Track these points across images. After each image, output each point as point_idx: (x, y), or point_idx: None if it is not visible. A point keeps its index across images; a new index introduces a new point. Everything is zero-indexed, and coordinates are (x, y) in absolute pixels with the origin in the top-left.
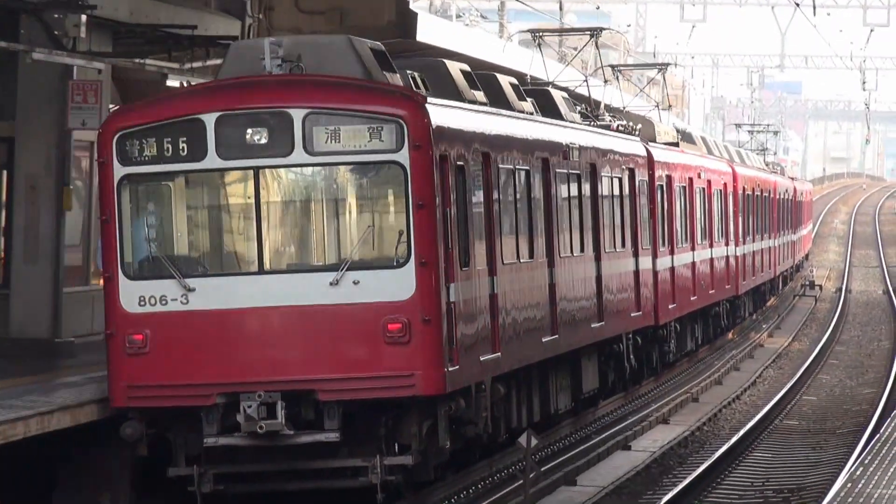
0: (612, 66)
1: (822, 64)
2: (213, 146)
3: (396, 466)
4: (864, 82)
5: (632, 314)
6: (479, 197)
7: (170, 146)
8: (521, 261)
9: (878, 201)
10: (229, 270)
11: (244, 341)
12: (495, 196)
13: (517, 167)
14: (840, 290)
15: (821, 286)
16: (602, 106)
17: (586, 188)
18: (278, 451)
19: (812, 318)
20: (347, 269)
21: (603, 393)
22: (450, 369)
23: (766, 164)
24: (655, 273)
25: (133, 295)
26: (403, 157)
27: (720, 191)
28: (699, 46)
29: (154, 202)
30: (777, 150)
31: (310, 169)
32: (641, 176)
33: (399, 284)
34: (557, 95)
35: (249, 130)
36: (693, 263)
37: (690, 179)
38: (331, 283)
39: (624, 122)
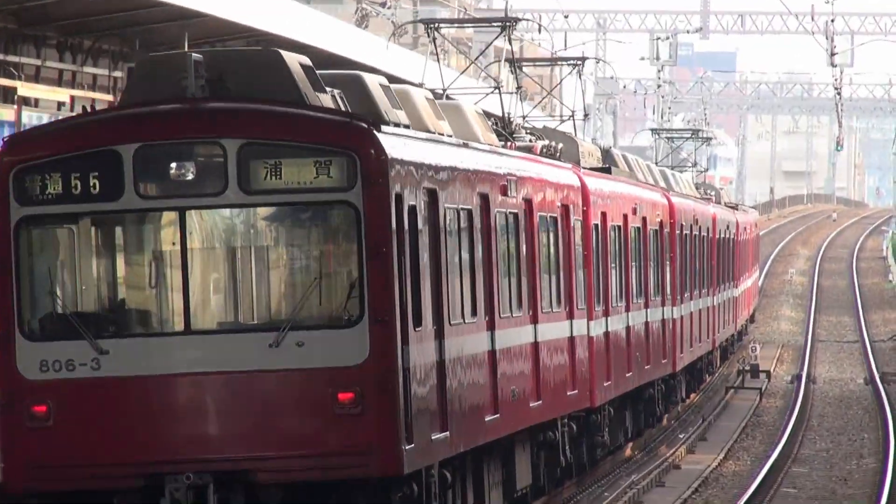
0: (512, 61)
1: (767, 26)
2: (132, 183)
3: None
4: (832, 55)
5: (568, 392)
6: (427, 243)
7: (78, 183)
8: (466, 321)
9: (854, 239)
10: (149, 330)
11: (168, 414)
12: (442, 242)
13: (460, 207)
14: (798, 378)
15: (768, 373)
16: (514, 122)
17: (524, 232)
18: None
19: (755, 422)
20: (290, 329)
21: (533, 492)
22: (407, 448)
23: (697, 188)
24: (590, 340)
25: (33, 359)
26: (356, 195)
27: (656, 231)
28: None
29: (59, 249)
30: (701, 160)
31: (246, 210)
32: (576, 214)
33: (351, 346)
34: (470, 110)
35: (174, 164)
36: (628, 329)
37: (625, 217)
38: (270, 346)
39: (547, 143)
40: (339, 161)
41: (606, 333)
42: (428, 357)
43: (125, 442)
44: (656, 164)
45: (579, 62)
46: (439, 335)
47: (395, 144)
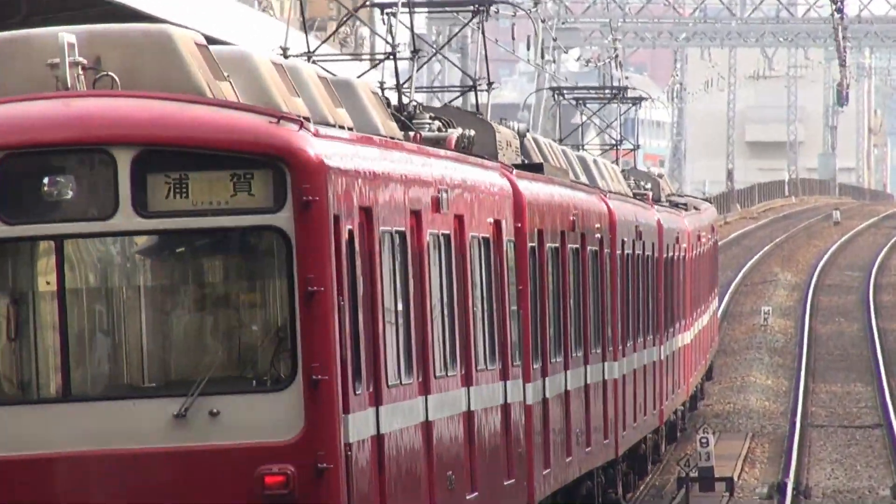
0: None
1: None
2: None
3: None
4: None
5: (505, 483)
6: (364, 280)
7: None
8: (402, 382)
9: (871, 254)
10: (17, 397)
11: None
12: (378, 278)
13: (395, 229)
14: (780, 490)
15: (730, 482)
16: (413, 103)
17: (455, 260)
18: None
19: None
20: (201, 394)
21: None
22: None
23: (626, 178)
24: (527, 410)
25: None
26: (286, 219)
27: (595, 252)
28: None
29: None
30: (624, 127)
31: (142, 239)
32: (508, 232)
33: (280, 416)
34: (364, 91)
35: (47, 179)
36: (567, 394)
37: (563, 234)
38: (176, 416)
39: (463, 132)
40: (263, 174)
41: (545, 401)
42: (369, 430)
43: None
44: (560, 141)
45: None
46: (377, 401)
47: (333, 151)
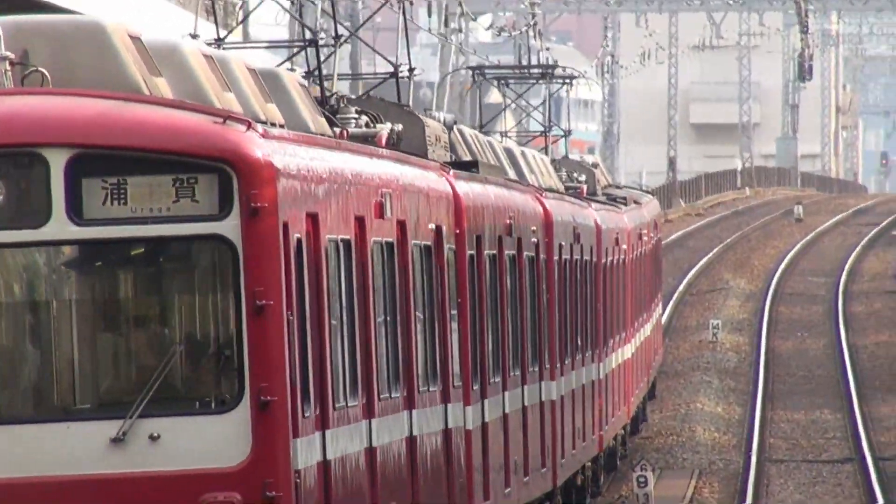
0: None
1: None
2: None
3: None
4: None
5: None
6: (310, 292)
7: None
8: (348, 404)
9: (840, 256)
10: None
11: None
12: (324, 290)
13: (340, 237)
14: None
15: None
16: (336, 95)
17: (398, 269)
18: None
19: None
20: (140, 416)
21: None
22: None
23: (557, 168)
24: (467, 435)
25: None
26: (232, 227)
27: (531, 258)
28: None
29: None
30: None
31: (77, 248)
32: (449, 239)
33: (225, 440)
34: (291, 83)
35: None
36: (505, 418)
37: (500, 239)
38: (113, 440)
39: (392, 127)
40: (207, 178)
41: (484, 426)
42: (315, 455)
43: None
44: (481, 128)
45: None
46: (323, 424)
47: (281, 153)
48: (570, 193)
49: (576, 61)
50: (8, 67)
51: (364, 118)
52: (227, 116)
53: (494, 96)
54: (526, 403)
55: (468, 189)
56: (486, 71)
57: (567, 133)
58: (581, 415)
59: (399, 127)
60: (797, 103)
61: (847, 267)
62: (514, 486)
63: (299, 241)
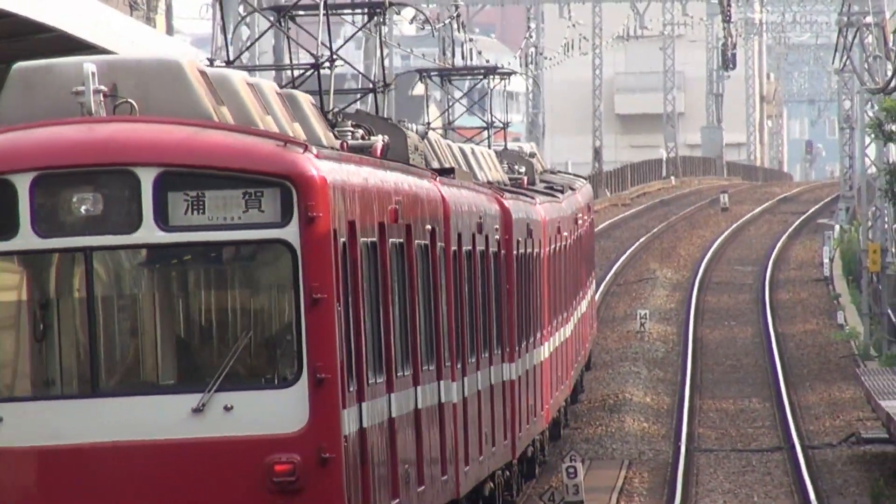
0: None
1: None
2: (28, 218)
3: None
4: None
5: (442, 478)
6: (351, 286)
7: None
8: (376, 381)
9: (766, 245)
10: (50, 393)
11: (72, 494)
12: (358, 283)
13: (369, 240)
14: None
15: None
16: (335, 110)
17: (406, 265)
18: None
19: None
20: (216, 391)
21: None
22: None
23: (500, 161)
24: (454, 408)
25: None
26: (292, 233)
27: (495, 254)
28: None
29: None
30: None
31: (164, 251)
32: (440, 238)
33: (287, 410)
34: (305, 103)
35: (78, 197)
36: (478, 394)
37: (473, 237)
38: (193, 410)
39: (383, 140)
40: (271, 192)
41: (464, 401)
42: (356, 424)
43: None
44: (427, 127)
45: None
46: (360, 398)
47: (330, 171)
48: (513, 184)
49: (501, 54)
50: (102, 99)
51: (360, 131)
52: (287, 140)
53: (418, 89)
54: (443, 400)
55: (450, 193)
56: (431, 72)
57: (506, 125)
58: (489, 419)
59: (387, 138)
60: (721, 93)
61: (773, 255)
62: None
63: (343, 244)
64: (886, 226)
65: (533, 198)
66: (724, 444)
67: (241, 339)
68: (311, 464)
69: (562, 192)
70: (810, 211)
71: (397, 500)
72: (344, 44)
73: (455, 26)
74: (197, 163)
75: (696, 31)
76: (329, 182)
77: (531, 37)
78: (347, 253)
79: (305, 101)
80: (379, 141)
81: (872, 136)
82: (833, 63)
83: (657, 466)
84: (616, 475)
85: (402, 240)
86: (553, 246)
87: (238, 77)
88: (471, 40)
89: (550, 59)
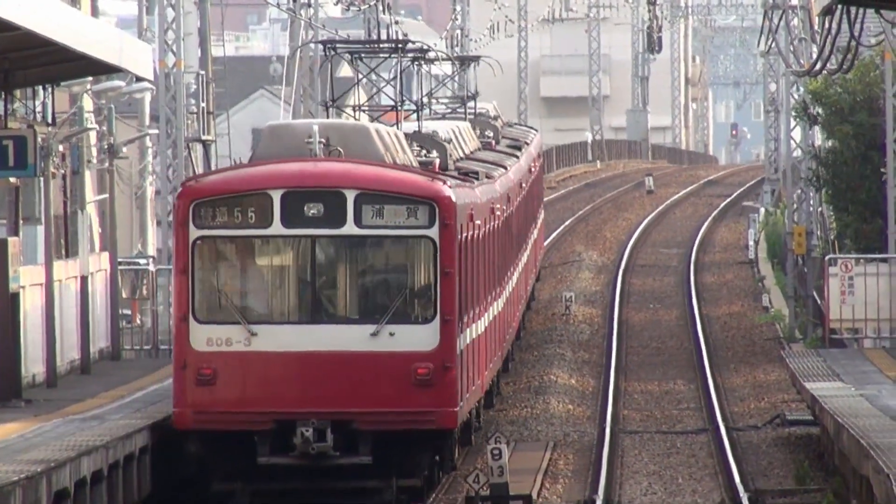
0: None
1: None
2: (278, 217)
3: (408, 487)
4: None
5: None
6: (465, 265)
7: (240, 214)
8: (466, 320)
9: (692, 227)
10: (288, 319)
11: (298, 379)
12: (465, 263)
13: (470, 235)
14: None
15: (529, 499)
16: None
17: (480, 251)
18: (309, 472)
19: None
20: (386, 323)
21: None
22: (458, 409)
23: (409, 143)
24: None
25: (202, 336)
26: (434, 233)
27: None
28: None
29: (223, 260)
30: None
31: (358, 239)
32: (478, 229)
33: (427, 337)
34: (400, 134)
35: (308, 205)
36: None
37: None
38: (371, 335)
39: (433, 153)
40: (423, 208)
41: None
42: (461, 346)
43: (266, 397)
44: (332, 103)
45: None
46: (462, 330)
47: (456, 193)
48: (424, 167)
49: (426, 36)
50: (321, 146)
51: (423, 151)
52: (434, 175)
53: (345, 70)
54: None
55: (479, 196)
56: (338, 46)
57: (420, 107)
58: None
59: (435, 153)
60: (647, 76)
61: (699, 238)
62: None
63: (461, 240)
64: (811, 209)
65: (473, 184)
66: (648, 427)
67: (401, 294)
68: (439, 369)
69: (519, 149)
70: (735, 194)
71: (472, 389)
72: (371, 70)
73: (380, 8)
74: (379, 188)
75: (622, 13)
76: (454, 201)
77: (457, 19)
78: (464, 245)
79: (400, 134)
80: (436, 158)
81: (798, 119)
82: (759, 46)
83: (582, 448)
84: (541, 457)
85: (479, 233)
86: (491, 223)
87: (385, 129)
88: (397, 22)
89: (476, 41)
